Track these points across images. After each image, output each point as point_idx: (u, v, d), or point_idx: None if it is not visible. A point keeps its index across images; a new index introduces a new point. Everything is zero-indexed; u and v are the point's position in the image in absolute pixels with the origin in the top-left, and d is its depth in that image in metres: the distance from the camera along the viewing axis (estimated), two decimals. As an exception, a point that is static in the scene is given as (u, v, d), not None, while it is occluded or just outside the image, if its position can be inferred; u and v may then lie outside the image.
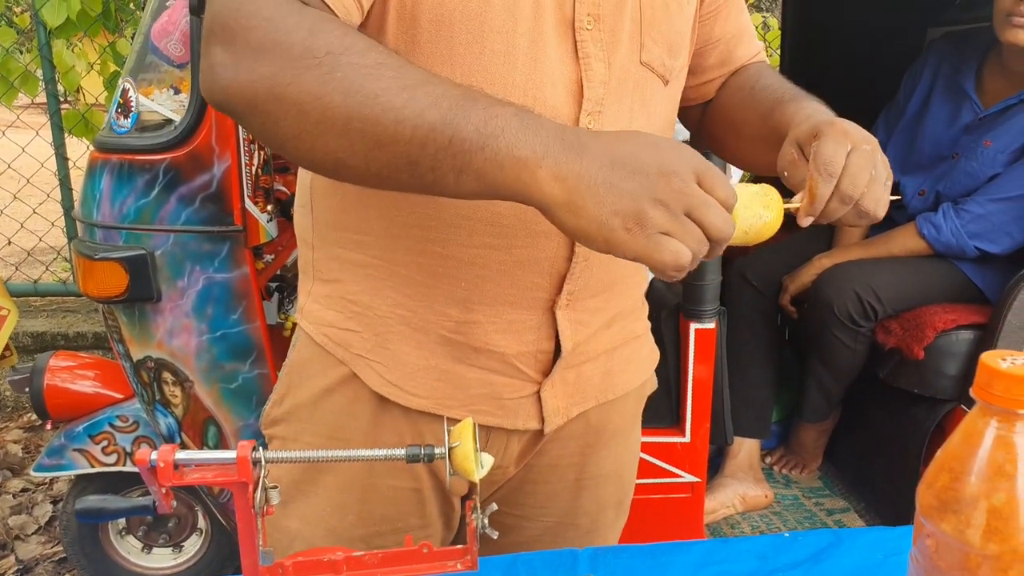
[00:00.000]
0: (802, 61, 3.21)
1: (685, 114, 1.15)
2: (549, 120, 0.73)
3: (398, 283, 0.95)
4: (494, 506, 0.81)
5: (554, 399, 1.02)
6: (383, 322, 0.97)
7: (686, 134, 1.21)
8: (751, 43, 1.13)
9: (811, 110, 0.94)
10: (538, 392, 1.01)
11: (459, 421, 0.96)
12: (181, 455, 0.73)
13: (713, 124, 1.14)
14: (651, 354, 1.19)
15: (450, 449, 0.77)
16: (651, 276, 2.02)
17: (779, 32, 3.68)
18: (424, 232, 0.92)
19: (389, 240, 0.94)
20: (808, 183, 0.85)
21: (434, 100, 0.71)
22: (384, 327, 0.97)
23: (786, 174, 0.89)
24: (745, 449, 2.39)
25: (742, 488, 2.34)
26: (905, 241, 2.25)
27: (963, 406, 2.05)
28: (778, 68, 3.44)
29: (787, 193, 0.88)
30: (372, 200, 0.93)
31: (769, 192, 0.86)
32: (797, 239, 2.54)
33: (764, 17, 4.79)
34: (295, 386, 1.03)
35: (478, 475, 0.78)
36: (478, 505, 0.79)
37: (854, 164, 0.83)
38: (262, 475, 0.75)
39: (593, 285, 0.98)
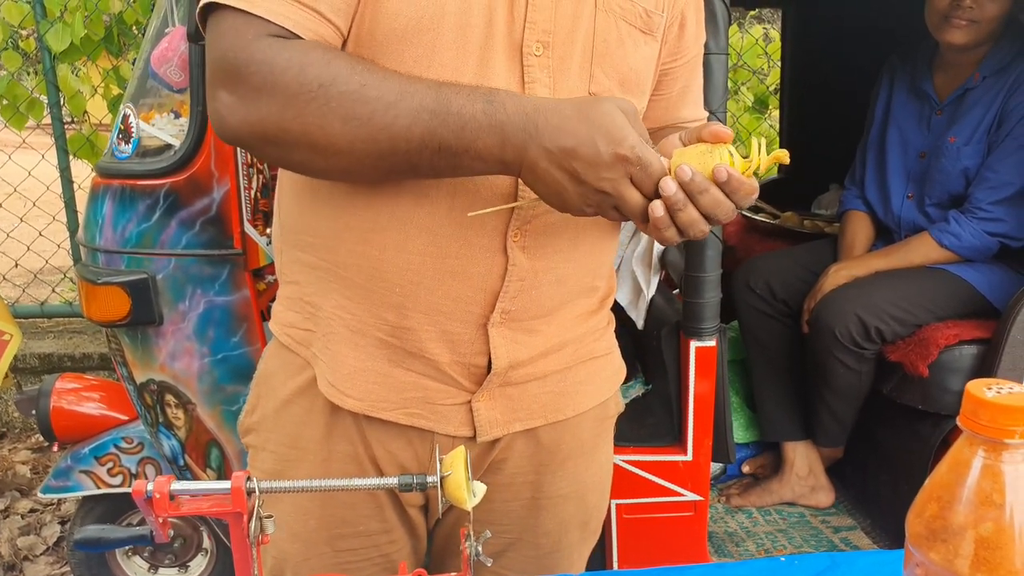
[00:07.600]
0: (802, 74, 3.17)
1: None
2: (513, 106, 0.83)
3: (341, 285, 0.99)
4: (488, 533, 0.81)
5: (490, 411, 1.03)
6: (328, 323, 1.01)
7: None
8: (694, 108, 1.15)
9: None
10: (470, 402, 1.02)
11: (394, 423, 1.01)
12: (177, 486, 0.74)
13: None
14: (614, 375, 1.17)
15: (442, 478, 0.77)
16: (651, 294, 2.02)
17: (779, 44, 3.68)
18: (363, 235, 0.95)
19: (333, 242, 0.98)
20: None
21: (415, 115, 0.82)
22: (328, 328, 1.01)
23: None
24: (800, 454, 2.40)
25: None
26: (928, 252, 2.21)
27: (968, 421, 2.03)
28: (778, 81, 3.45)
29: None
30: (321, 203, 0.96)
31: (714, 151, 0.86)
32: (803, 250, 2.54)
33: (765, 29, 4.78)
34: (263, 396, 1.09)
35: (470, 503, 0.78)
36: (471, 532, 0.79)
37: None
38: (257, 504, 0.76)
39: (533, 308, 1.00)
